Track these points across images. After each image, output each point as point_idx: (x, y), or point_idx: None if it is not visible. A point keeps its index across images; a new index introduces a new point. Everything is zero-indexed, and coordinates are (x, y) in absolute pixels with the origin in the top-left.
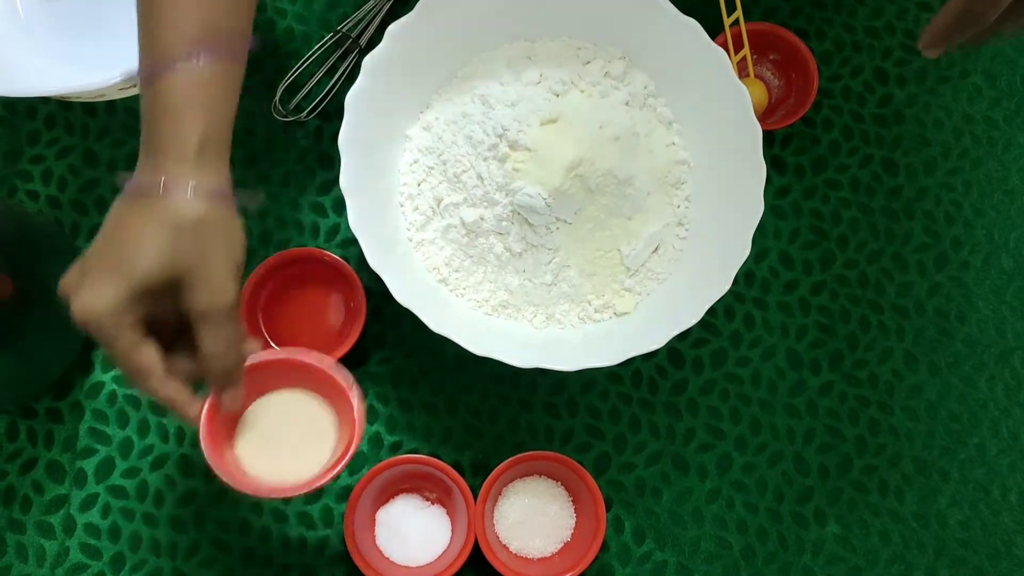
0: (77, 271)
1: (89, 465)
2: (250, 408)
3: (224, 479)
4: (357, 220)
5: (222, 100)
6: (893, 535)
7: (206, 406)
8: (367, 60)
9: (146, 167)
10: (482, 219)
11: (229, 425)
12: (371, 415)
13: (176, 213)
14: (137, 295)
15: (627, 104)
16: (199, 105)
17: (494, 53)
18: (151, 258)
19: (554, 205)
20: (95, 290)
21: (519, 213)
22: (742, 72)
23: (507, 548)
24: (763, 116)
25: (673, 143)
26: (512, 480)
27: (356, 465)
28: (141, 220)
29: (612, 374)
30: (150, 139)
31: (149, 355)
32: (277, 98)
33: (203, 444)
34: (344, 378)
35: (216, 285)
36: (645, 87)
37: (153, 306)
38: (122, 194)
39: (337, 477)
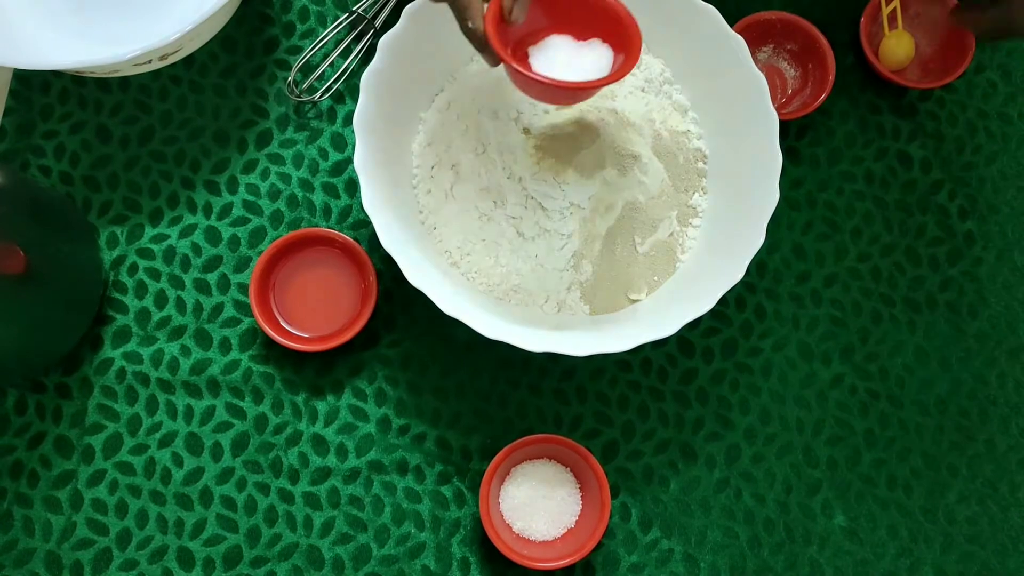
0: None
1: (97, 441)
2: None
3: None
4: (370, 201)
5: None
6: (900, 529)
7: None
8: (383, 40)
9: None
10: (495, 203)
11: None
12: (380, 398)
13: None
14: None
15: (643, 90)
16: None
17: None
18: None
19: (567, 190)
20: None
21: (533, 198)
22: (891, 25)
23: (510, 528)
24: (779, 107)
25: (688, 130)
26: (521, 461)
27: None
28: None
29: (622, 361)
30: None
31: None
32: (291, 78)
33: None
34: None
35: None
36: (661, 73)
37: None
38: None
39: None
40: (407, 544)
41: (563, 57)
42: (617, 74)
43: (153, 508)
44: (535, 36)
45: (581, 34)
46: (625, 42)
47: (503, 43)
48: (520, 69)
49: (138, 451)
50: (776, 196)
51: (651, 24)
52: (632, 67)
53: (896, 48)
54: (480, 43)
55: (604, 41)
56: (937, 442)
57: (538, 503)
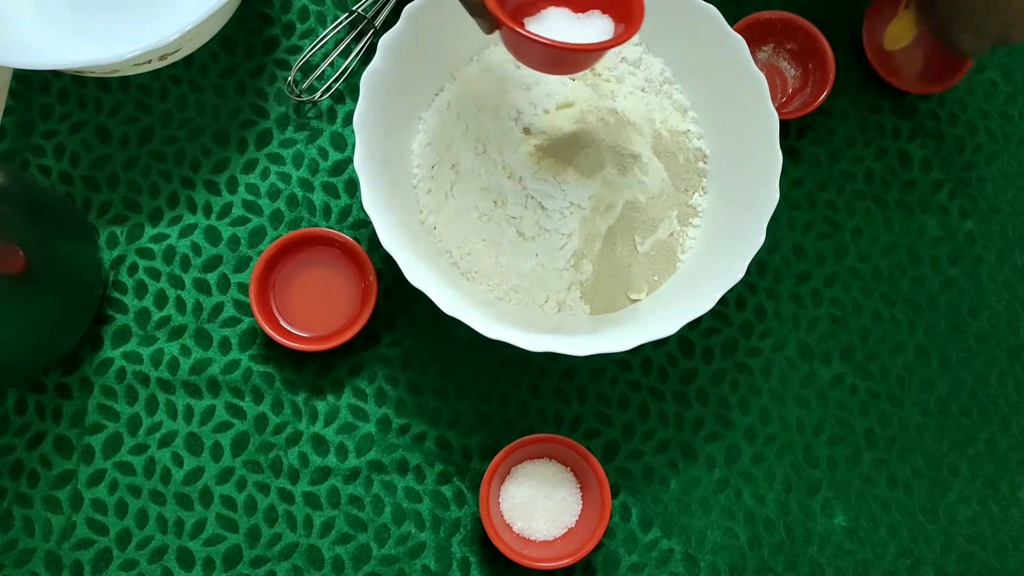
0: None
1: (97, 441)
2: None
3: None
4: (370, 201)
5: None
6: (901, 529)
7: None
8: (383, 40)
9: None
10: (495, 203)
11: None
12: (380, 398)
13: None
14: None
15: (643, 90)
16: None
17: None
18: None
19: (568, 190)
20: None
21: (533, 197)
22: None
23: (510, 528)
24: (780, 106)
25: (689, 130)
26: (522, 461)
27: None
28: None
29: (622, 361)
30: None
31: None
32: (291, 78)
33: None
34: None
35: None
36: (662, 73)
37: None
38: None
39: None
40: (407, 544)
41: (561, 29)
42: (619, 38)
43: (153, 508)
44: (532, 7)
45: (579, 6)
46: (625, 12)
47: (499, 7)
48: (518, 30)
49: (138, 451)
50: (776, 196)
51: (651, 24)
52: (635, 32)
53: (902, 34)
54: (475, 7)
55: (604, 12)
56: (938, 442)
57: (538, 503)
